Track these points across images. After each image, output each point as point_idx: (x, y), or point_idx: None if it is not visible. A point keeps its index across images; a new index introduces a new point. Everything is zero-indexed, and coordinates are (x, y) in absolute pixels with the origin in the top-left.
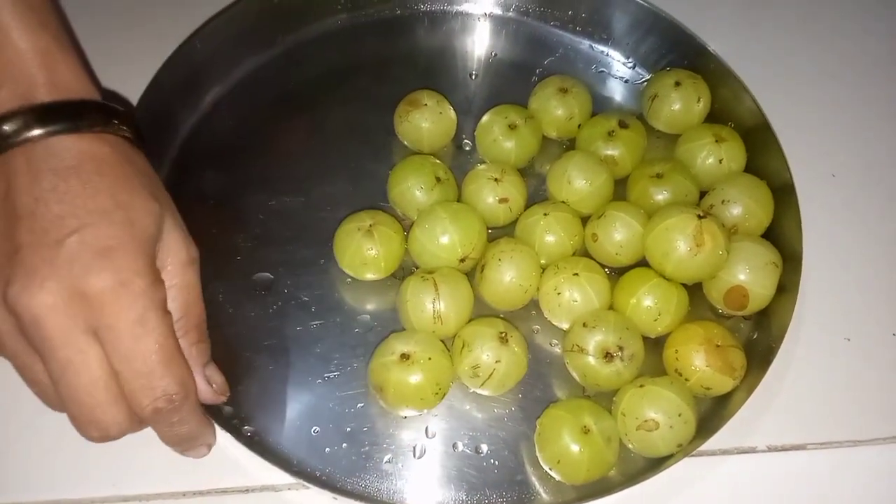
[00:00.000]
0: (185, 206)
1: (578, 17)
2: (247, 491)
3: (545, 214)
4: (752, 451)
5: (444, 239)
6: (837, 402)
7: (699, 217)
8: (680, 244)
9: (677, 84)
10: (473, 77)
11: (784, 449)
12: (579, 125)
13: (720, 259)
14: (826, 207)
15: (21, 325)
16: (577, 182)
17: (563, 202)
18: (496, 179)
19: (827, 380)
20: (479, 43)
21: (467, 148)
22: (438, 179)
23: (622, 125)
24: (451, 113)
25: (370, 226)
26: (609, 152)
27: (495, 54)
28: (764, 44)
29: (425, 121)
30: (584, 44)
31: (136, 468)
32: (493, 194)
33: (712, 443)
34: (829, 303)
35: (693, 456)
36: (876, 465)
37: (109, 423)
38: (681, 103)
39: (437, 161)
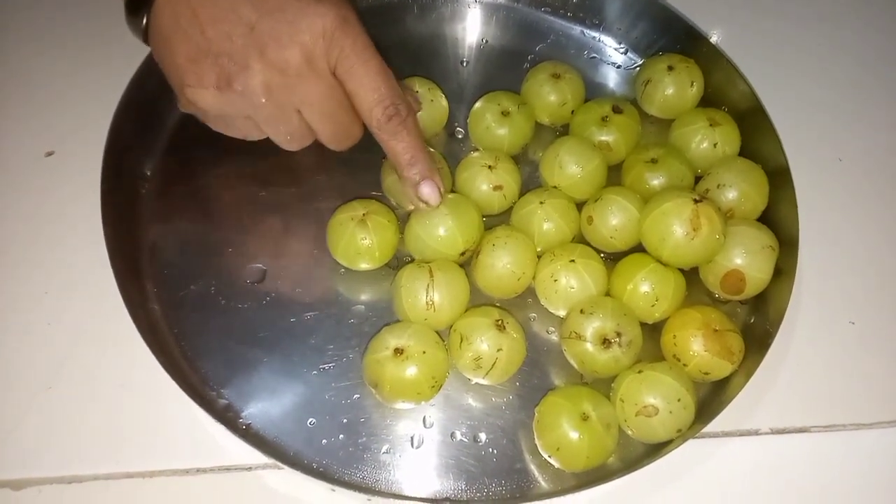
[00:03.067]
0: (174, 198)
1: (569, 2)
2: (250, 469)
3: (541, 203)
4: (756, 433)
5: (445, 233)
6: (841, 386)
7: (695, 201)
8: (676, 229)
9: (670, 69)
10: (465, 64)
11: (787, 431)
12: (572, 111)
13: (717, 243)
14: (832, 191)
15: (274, 92)
16: (569, 167)
17: (555, 188)
18: (490, 167)
19: (831, 363)
20: (469, 30)
21: (460, 136)
22: None
23: (616, 110)
24: (443, 101)
25: (363, 215)
26: (603, 138)
27: (486, 41)
28: (762, 28)
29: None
30: (576, 29)
31: (139, 446)
32: (487, 182)
33: (715, 425)
34: (834, 286)
35: (696, 438)
36: (879, 449)
37: (355, 135)
38: (674, 88)
39: (430, 149)
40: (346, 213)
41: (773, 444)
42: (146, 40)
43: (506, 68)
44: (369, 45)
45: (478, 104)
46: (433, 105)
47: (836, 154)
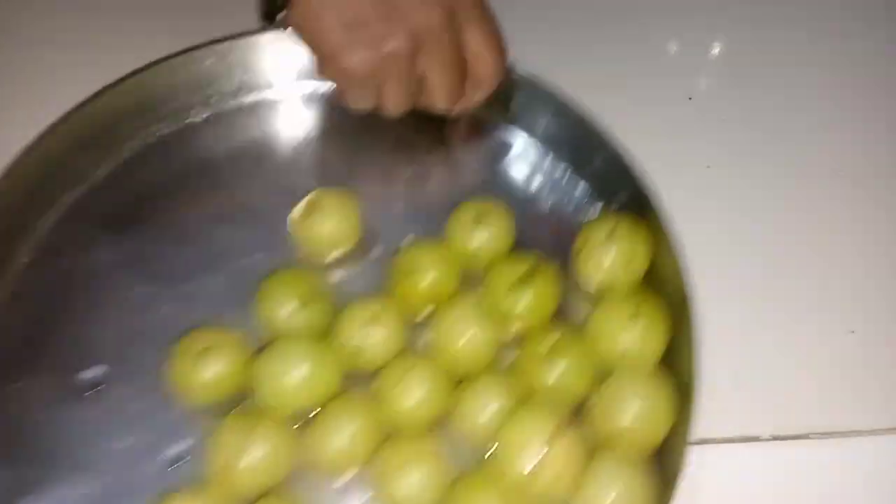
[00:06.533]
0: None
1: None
2: None
3: (405, 371)
4: (756, 439)
5: (292, 380)
6: (841, 393)
7: (553, 434)
8: (520, 462)
9: (609, 237)
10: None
11: (787, 438)
12: (488, 264)
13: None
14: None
15: (420, 51)
16: (455, 340)
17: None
18: (373, 317)
19: (831, 371)
20: None
21: (377, 254)
22: (307, 301)
23: (530, 274)
24: (356, 214)
25: (206, 349)
26: (513, 305)
27: None
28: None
29: (324, 224)
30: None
31: None
32: (364, 334)
33: (716, 431)
34: (834, 296)
35: (697, 444)
36: (878, 456)
37: (458, 95)
38: (608, 262)
39: (312, 277)
40: (188, 343)
41: (773, 451)
42: (273, 20)
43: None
44: (490, 10)
45: (404, 254)
46: (343, 220)
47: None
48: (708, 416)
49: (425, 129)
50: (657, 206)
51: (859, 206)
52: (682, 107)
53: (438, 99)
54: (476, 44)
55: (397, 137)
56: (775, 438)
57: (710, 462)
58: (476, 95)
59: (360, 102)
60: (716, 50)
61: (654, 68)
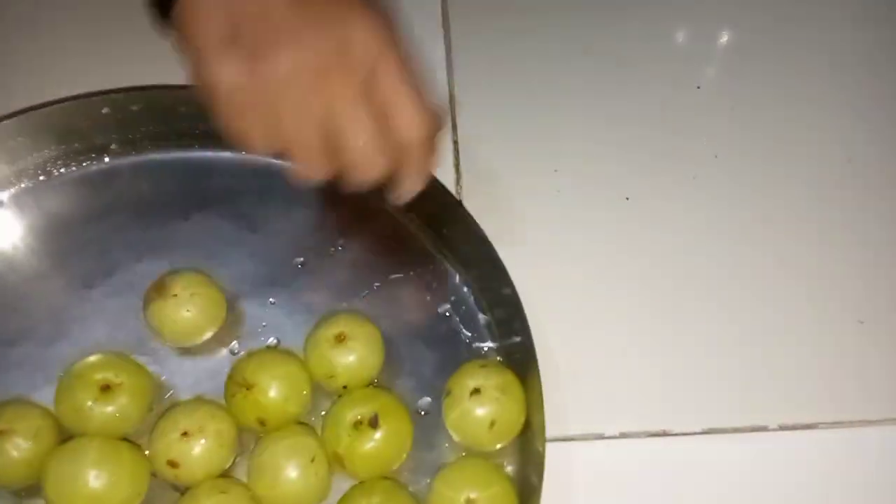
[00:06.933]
0: None
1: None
2: None
3: (210, 498)
4: (764, 429)
5: (80, 487)
6: (849, 383)
7: None
8: None
9: (475, 392)
10: None
11: (795, 428)
12: (341, 391)
13: None
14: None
15: (303, 75)
16: (276, 475)
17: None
18: (184, 434)
19: (839, 361)
20: None
21: (233, 348)
22: (106, 388)
23: (383, 415)
24: (216, 301)
25: (3, 430)
26: (353, 447)
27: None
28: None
29: (178, 311)
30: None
31: None
32: (182, 447)
33: (724, 421)
34: (843, 286)
35: (704, 433)
36: (886, 446)
37: (379, 167)
38: (471, 417)
39: (119, 361)
40: None
41: (781, 441)
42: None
43: None
44: (411, 69)
45: (244, 363)
46: (198, 308)
47: None
48: (715, 405)
49: (340, 213)
50: (535, 367)
51: (869, 196)
52: (690, 96)
53: (353, 158)
54: (390, 93)
55: (307, 217)
56: (783, 428)
57: (718, 452)
58: (411, 174)
59: (249, 135)
60: (724, 38)
61: (662, 56)
